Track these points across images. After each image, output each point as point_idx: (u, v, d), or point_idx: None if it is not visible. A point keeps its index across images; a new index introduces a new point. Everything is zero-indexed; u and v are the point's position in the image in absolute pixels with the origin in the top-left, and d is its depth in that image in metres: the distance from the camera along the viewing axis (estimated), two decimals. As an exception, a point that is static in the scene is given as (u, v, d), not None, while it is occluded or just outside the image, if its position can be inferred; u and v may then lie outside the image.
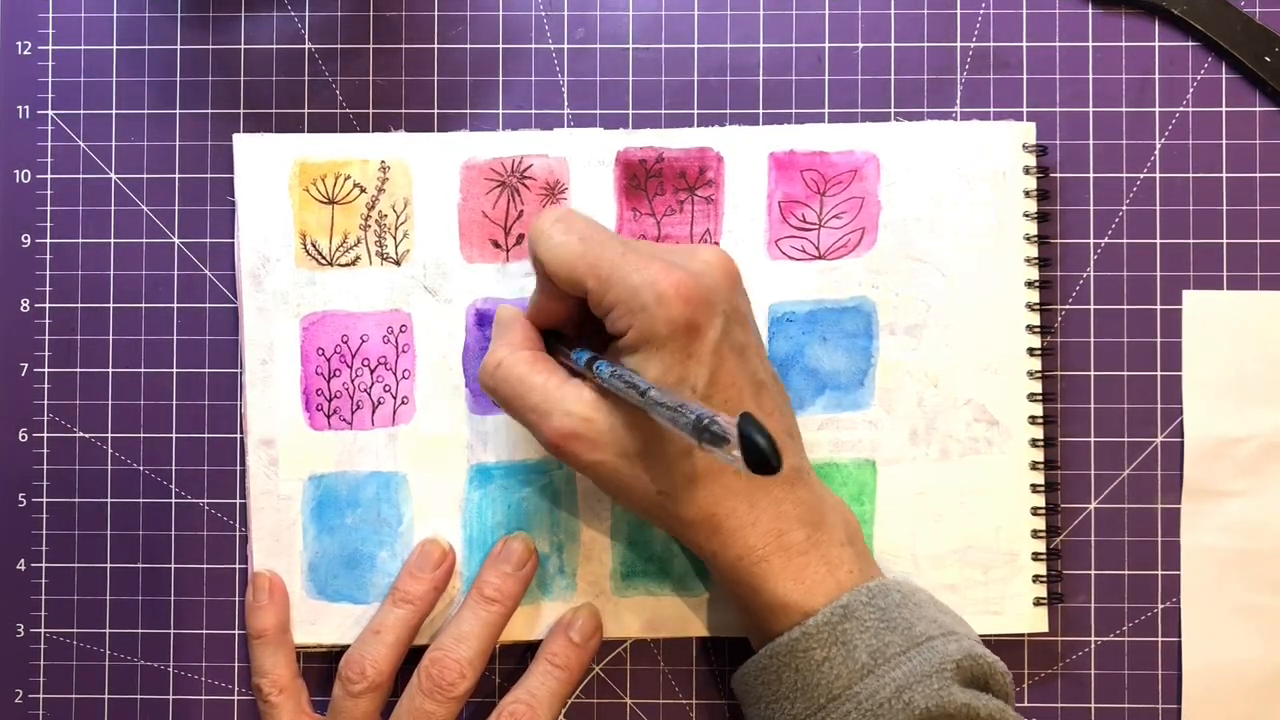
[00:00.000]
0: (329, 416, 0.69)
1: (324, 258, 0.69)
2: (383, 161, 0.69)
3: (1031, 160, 0.69)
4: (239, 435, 0.70)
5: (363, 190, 0.69)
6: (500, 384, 0.61)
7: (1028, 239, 0.69)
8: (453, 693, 0.64)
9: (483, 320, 0.69)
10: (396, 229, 0.69)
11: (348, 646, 0.67)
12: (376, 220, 0.69)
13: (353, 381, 0.69)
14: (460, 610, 0.66)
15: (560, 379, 0.60)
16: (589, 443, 0.58)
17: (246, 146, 0.69)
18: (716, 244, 0.68)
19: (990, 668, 0.59)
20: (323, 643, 0.69)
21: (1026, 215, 0.69)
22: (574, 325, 0.64)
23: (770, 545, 0.59)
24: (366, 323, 0.69)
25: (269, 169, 0.69)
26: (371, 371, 0.69)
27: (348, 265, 0.69)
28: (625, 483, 0.59)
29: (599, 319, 0.60)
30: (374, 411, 0.69)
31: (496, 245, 0.69)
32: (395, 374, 0.69)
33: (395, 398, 0.69)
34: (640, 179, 0.69)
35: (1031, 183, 0.69)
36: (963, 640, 0.59)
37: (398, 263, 0.69)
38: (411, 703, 0.64)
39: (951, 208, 0.69)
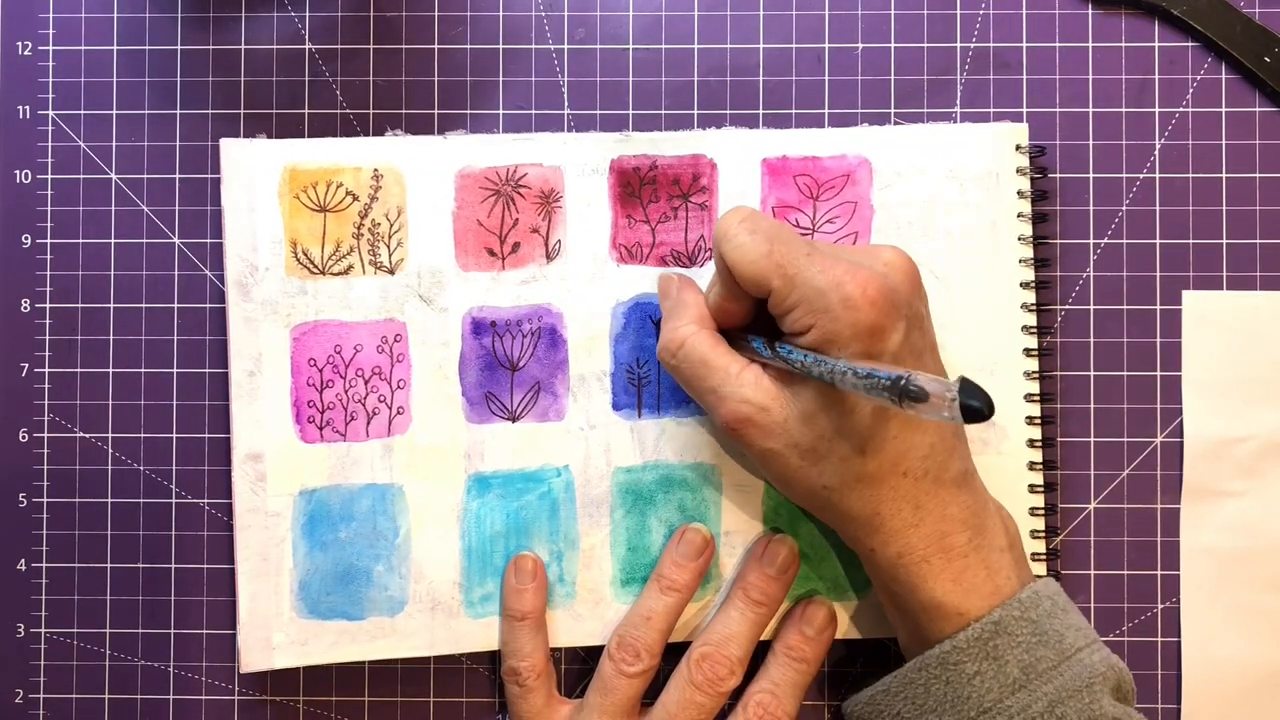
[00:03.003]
0: (321, 429, 0.68)
1: (316, 266, 0.68)
2: (375, 170, 0.69)
3: (1024, 161, 0.69)
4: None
5: (355, 198, 0.68)
6: (683, 363, 0.62)
7: (1022, 240, 0.69)
8: (722, 688, 0.65)
9: (478, 329, 0.69)
10: (390, 237, 0.69)
11: (349, 664, 0.68)
12: (369, 229, 0.68)
13: (346, 392, 0.68)
14: (726, 609, 0.67)
15: (741, 364, 0.61)
16: (762, 430, 0.60)
17: (234, 151, 0.69)
18: (712, 251, 0.68)
19: (1122, 673, 0.60)
20: (314, 663, 0.68)
21: (1020, 216, 0.69)
22: (747, 324, 0.65)
23: (931, 547, 0.60)
24: (360, 332, 0.69)
25: (258, 175, 0.69)
26: (365, 382, 0.68)
27: (340, 274, 0.68)
28: (793, 473, 0.60)
29: (770, 319, 0.61)
30: (369, 422, 0.69)
31: (492, 253, 0.69)
32: (390, 384, 0.69)
33: (390, 408, 0.69)
34: (634, 186, 0.69)
35: (1025, 184, 0.69)
36: (1102, 648, 0.61)
37: (391, 271, 0.68)
38: (682, 694, 0.65)
39: (945, 210, 0.69)
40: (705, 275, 0.68)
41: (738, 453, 0.69)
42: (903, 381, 0.49)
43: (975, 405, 0.47)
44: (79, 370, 0.71)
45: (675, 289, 0.65)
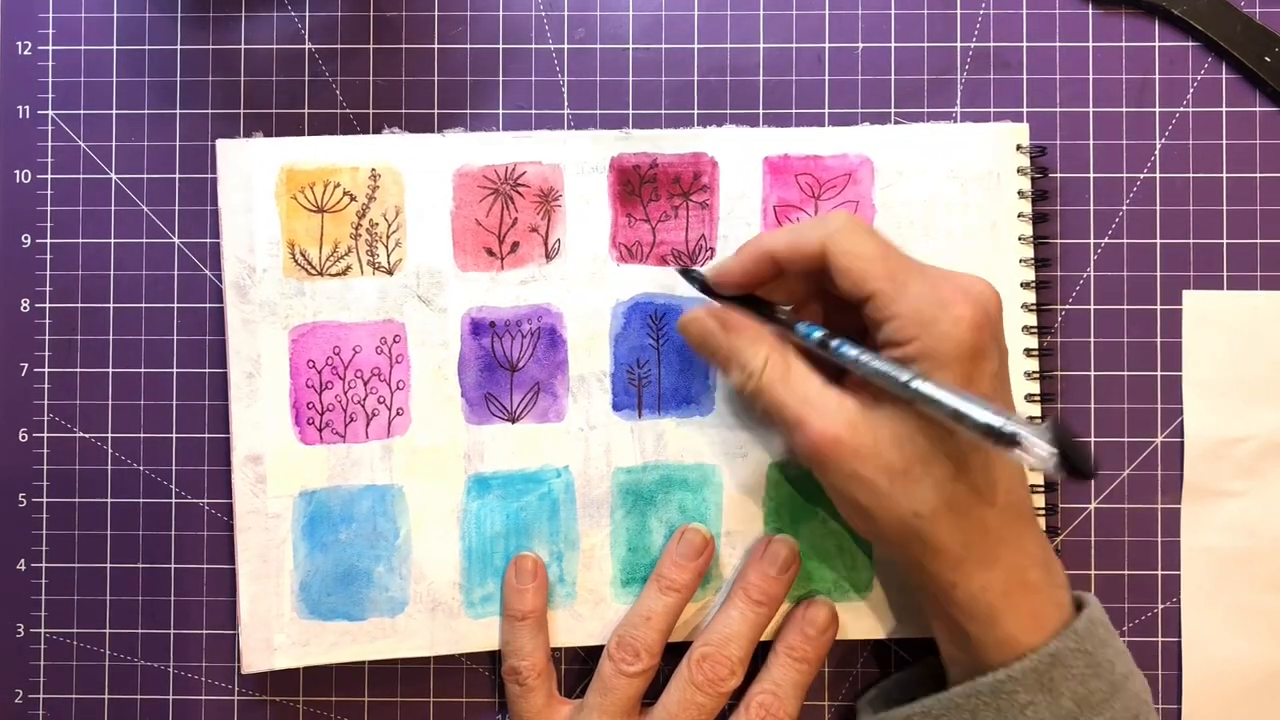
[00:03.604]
0: (320, 430, 0.68)
1: (313, 267, 0.68)
2: (373, 169, 0.68)
3: (1025, 161, 0.69)
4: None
5: (353, 198, 0.68)
6: (764, 384, 0.60)
7: (1022, 240, 0.68)
8: (722, 688, 0.65)
9: (478, 329, 0.69)
10: (388, 238, 0.68)
11: (348, 664, 0.68)
12: (367, 229, 0.68)
13: (345, 394, 0.68)
14: (727, 609, 0.67)
15: (822, 381, 0.60)
16: (852, 451, 0.57)
17: (230, 152, 0.69)
18: (713, 250, 0.69)
19: (1147, 689, 0.61)
20: (314, 664, 0.68)
21: (1021, 216, 0.69)
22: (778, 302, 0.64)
23: (1013, 581, 0.59)
24: (359, 333, 0.68)
25: (254, 176, 0.69)
26: (365, 383, 0.68)
27: (338, 275, 0.68)
28: (880, 501, 0.58)
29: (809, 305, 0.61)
30: (368, 424, 0.68)
31: (491, 253, 0.69)
32: (389, 385, 0.69)
33: (390, 409, 0.69)
34: (634, 185, 0.69)
35: (1025, 184, 0.69)
36: (1137, 671, 0.61)
37: (390, 272, 0.68)
38: (683, 694, 0.65)
39: (945, 210, 0.69)
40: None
41: (739, 454, 0.69)
42: (998, 424, 0.49)
43: (1083, 464, 0.48)
44: (79, 370, 0.71)
45: (731, 330, 0.63)
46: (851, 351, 0.58)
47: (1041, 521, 0.68)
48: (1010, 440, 0.49)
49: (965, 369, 0.55)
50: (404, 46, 0.71)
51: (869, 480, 0.58)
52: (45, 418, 0.71)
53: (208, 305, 0.71)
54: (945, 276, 0.58)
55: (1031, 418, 0.68)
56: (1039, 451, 0.49)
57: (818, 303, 0.64)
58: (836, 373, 0.61)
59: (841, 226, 0.59)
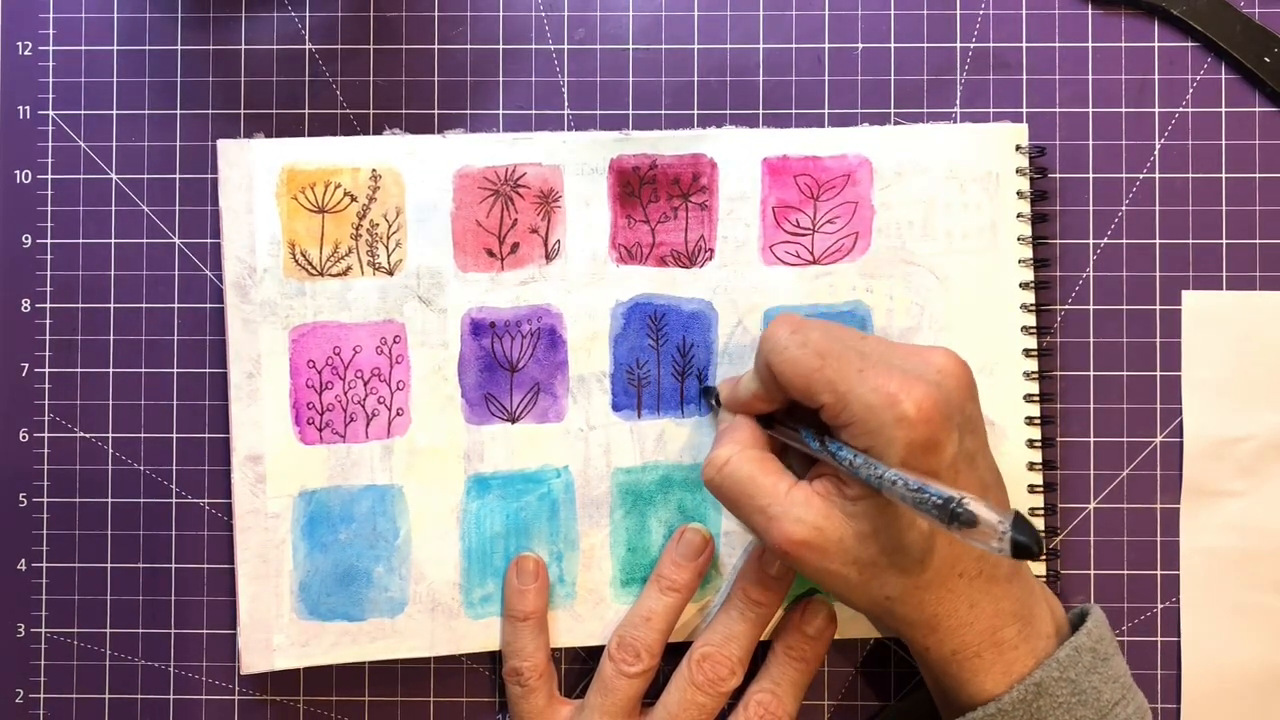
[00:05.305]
0: (320, 430, 0.68)
1: (314, 267, 0.68)
2: (374, 170, 0.68)
3: (1024, 161, 0.69)
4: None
5: (353, 199, 0.68)
6: (727, 480, 0.61)
7: (1021, 240, 0.68)
8: (722, 688, 0.65)
9: (477, 329, 0.69)
10: (388, 238, 0.68)
11: (340, 665, 0.68)
12: (368, 229, 0.68)
13: (345, 394, 0.68)
14: (726, 609, 0.67)
15: (789, 482, 0.60)
16: (819, 551, 0.58)
17: (231, 152, 0.69)
18: (712, 251, 0.69)
19: (1146, 714, 0.61)
20: (314, 664, 0.68)
21: (1020, 217, 0.69)
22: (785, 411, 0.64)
23: (985, 642, 0.59)
24: (359, 333, 0.68)
25: (255, 176, 0.69)
26: (365, 383, 0.68)
27: (339, 275, 0.68)
28: (853, 589, 0.59)
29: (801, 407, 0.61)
30: (368, 424, 0.68)
31: (491, 254, 0.69)
32: (389, 385, 0.69)
33: (390, 409, 0.69)
34: (634, 186, 0.69)
35: (1025, 184, 0.69)
36: (1136, 695, 0.61)
37: (390, 272, 0.68)
38: (683, 694, 0.65)
39: (945, 210, 0.69)
40: (705, 276, 0.69)
41: None
42: (953, 505, 0.49)
43: (1024, 542, 0.47)
44: (79, 370, 0.71)
45: (730, 415, 0.65)
46: (843, 454, 0.58)
47: (1040, 522, 0.68)
48: (960, 521, 0.49)
49: (919, 462, 0.55)
50: (404, 47, 0.71)
51: (839, 574, 0.59)
52: (45, 418, 0.71)
53: (208, 305, 0.71)
54: (890, 370, 0.57)
55: (1031, 418, 0.68)
56: (991, 518, 0.48)
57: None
58: (807, 462, 0.62)
59: (775, 346, 0.60)
